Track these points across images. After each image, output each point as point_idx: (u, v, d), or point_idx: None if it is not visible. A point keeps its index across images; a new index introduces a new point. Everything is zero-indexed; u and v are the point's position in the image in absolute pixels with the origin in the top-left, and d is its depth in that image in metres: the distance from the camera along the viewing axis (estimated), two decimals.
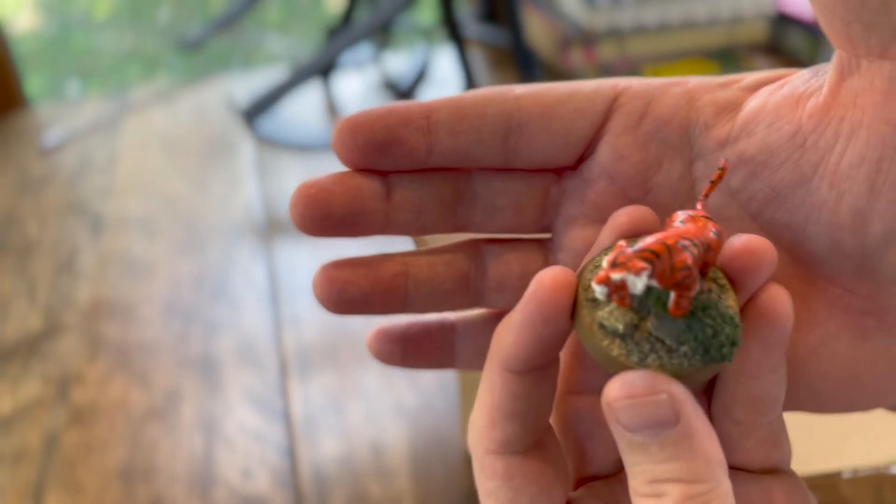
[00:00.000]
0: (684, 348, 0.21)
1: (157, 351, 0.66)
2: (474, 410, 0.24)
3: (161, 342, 0.67)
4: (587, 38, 0.95)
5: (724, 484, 0.21)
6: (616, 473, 0.26)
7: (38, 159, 0.99)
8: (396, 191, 0.26)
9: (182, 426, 0.59)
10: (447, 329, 0.29)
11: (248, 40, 1.42)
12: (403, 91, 1.05)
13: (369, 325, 0.71)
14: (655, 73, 0.94)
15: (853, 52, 0.23)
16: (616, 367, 0.21)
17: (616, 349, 0.21)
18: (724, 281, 0.23)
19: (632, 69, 0.95)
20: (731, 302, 0.23)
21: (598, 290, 0.20)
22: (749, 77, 0.26)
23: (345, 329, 0.67)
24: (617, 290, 0.20)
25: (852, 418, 0.43)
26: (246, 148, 0.98)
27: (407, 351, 0.28)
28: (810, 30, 0.98)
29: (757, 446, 0.25)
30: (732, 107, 0.26)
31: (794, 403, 0.26)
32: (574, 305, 0.22)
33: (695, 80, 0.27)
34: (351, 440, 0.57)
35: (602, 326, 0.22)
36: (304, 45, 1.44)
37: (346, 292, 0.26)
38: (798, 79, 0.25)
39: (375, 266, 0.26)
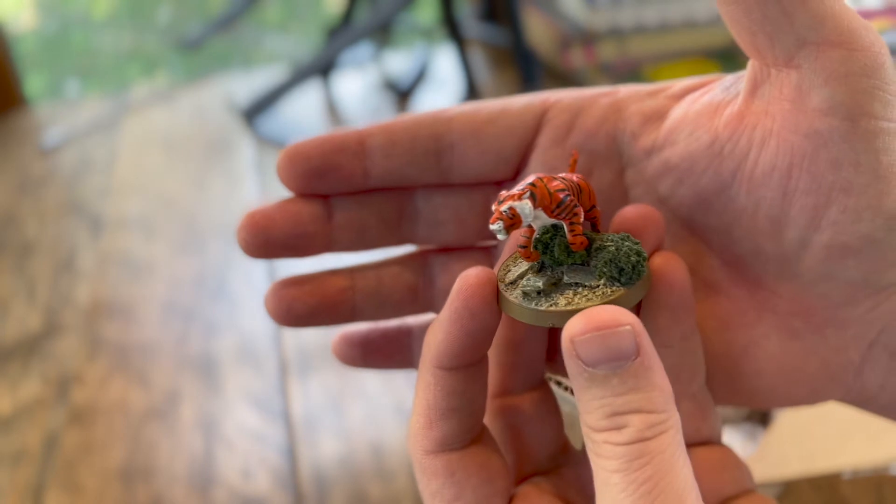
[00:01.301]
0: (602, 281, 0.23)
1: (157, 351, 0.66)
2: (412, 414, 0.25)
3: (161, 342, 0.67)
4: (587, 38, 0.95)
5: (676, 415, 0.21)
6: (555, 469, 0.26)
7: (38, 159, 0.99)
8: (337, 212, 0.28)
9: (182, 426, 0.59)
10: (404, 333, 0.30)
11: (248, 40, 1.42)
12: (403, 91, 1.05)
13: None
14: (655, 74, 0.94)
15: (762, 62, 0.24)
16: (553, 320, 0.23)
17: (545, 304, 0.23)
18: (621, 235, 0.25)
19: (632, 69, 0.95)
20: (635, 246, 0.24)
21: (495, 228, 0.22)
22: (677, 85, 0.27)
23: (345, 329, 0.67)
24: (511, 223, 0.22)
25: (852, 418, 0.43)
26: (246, 148, 0.98)
27: (367, 354, 0.30)
28: None
29: (686, 419, 0.25)
30: (658, 115, 0.27)
31: (734, 399, 0.28)
32: (499, 300, 0.24)
33: (625, 90, 0.28)
34: (351, 440, 0.57)
35: (526, 294, 0.23)
36: (304, 45, 1.44)
37: (293, 309, 0.28)
38: (719, 86, 0.26)
39: (321, 282, 0.28)
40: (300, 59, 1.16)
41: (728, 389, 0.27)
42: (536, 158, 0.28)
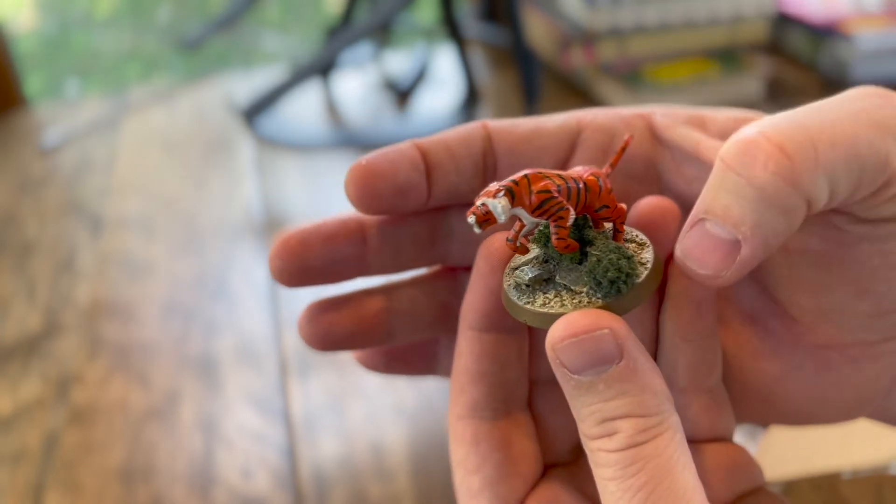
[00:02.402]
0: (585, 289, 0.22)
1: (157, 351, 0.66)
2: (450, 384, 0.25)
3: (161, 342, 0.67)
4: (587, 38, 0.95)
5: (674, 416, 0.21)
6: (575, 461, 0.26)
7: (38, 159, 0.99)
8: (373, 232, 0.27)
9: (182, 426, 0.59)
10: (432, 342, 0.30)
11: (248, 40, 1.42)
12: (403, 91, 1.05)
13: None
14: (655, 74, 0.94)
15: None
16: (525, 317, 0.22)
17: (524, 299, 0.23)
18: (642, 238, 0.24)
19: (632, 69, 0.95)
20: (646, 255, 0.23)
21: (469, 220, 0.22)
22: (718, 116, 0.27)
23: None
24: (483, 219, 0.22)
25: None
26: (246, 148, 0.98)
27: (392, 361, 0.29)
28: (810, 30, 0.98)
29: (701, 413, 0.25)
30: (696, 146, 0.26)
31: (765, 419, 0.28)
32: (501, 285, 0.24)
33: (660, 113, 0.27)
34: (351, 440, 0.57)
35: (516, 285, 0.23)
36: (304, 45, 1.44)
37: (331, 334, 0.27)
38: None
39: (358, 304, 0.27)
40: (300, 59, 1.16)
41: (758, 411, 0.27)
42: None
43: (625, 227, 0.24)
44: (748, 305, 0.27)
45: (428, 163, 0.26)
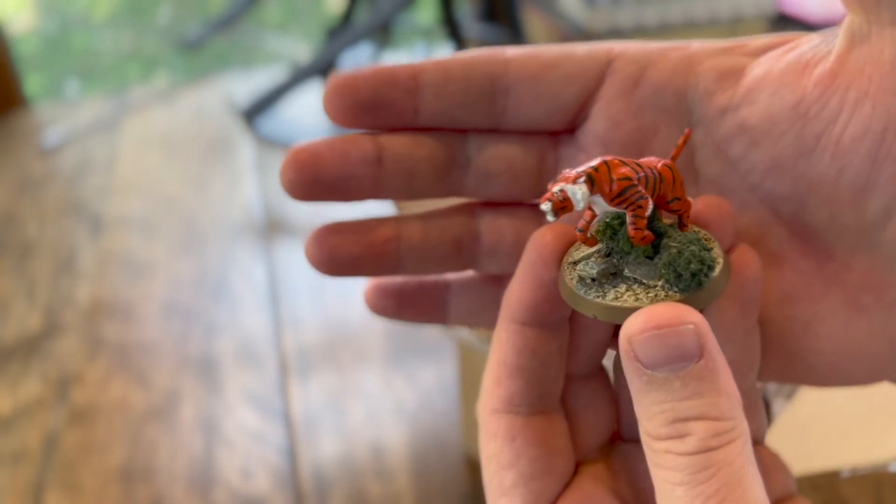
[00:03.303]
0: (660, 283, 0.21)
1: (157, 351, 0.66)
2: (484, 375, 0.24)
3: (161, 342, 0.67)
4: (587, 38, 0.95)
5: (745, 423, 0.20)
6: (603, 459, 0.26)
7: (38, 159, 0.99)
8: (387, 155, 0.26)
9: (182, 426, 0.59)
10: (441, 287, 0.29)
11: (248, 40, 1.42)
12: None
13: (369, 326, 0.71)
14: None
15: (864, 18, 0.22)
16: (594, 311, 0.21)
17: (592, 293, 0.21)
18: (705, 233, 0.23)
19: None
20: (716, 252, 0.22)
21: (544, 207, 0.20)
22: (754, 41, 0.25)
23: (345, 329, 0.67)
24: (560, 205, 0.20)
25: (851, 417, 0.43)
26: (246, 148, 0.98)
27: (402, 305, 0.28)
28: (810, 29, 0.98)
29: None
30: (735, 73, 0.25)
31: (787, 376, 0.26)
32: (560, 279, 0.23)
33: (697, 45, 0.26)
34: (351, 440, 0.57)
35: (581, 278, 0.22)
36: (304, 45, 1.44)
37: (336, 256, 0.26)
38: (806, 44, 0.24)
39: (367, 230, 0.26)
40: (300, 59, 1.16)
41: (783, 366, 0.25)
42: (600, 110, 0.26)
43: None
44: (776, 247, 0.25)
45: (418, 82, 0.25)
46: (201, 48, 1.30)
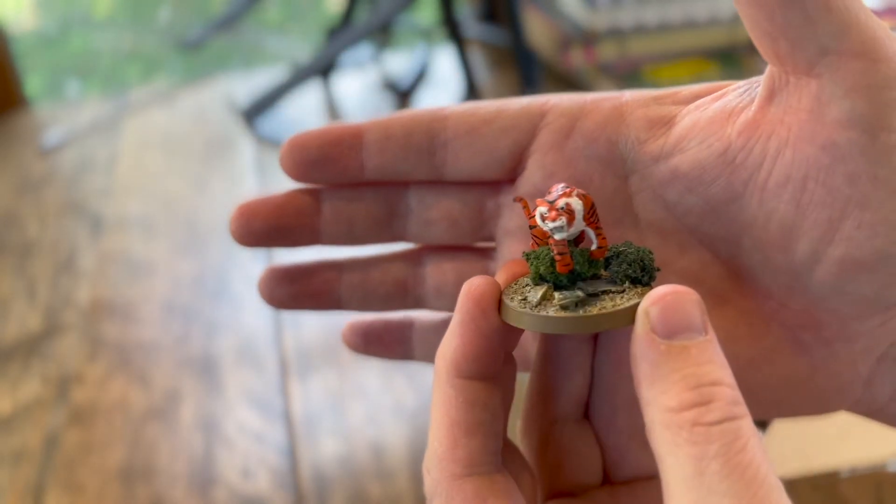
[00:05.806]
0: (626, 284, 0.23)
1: (157, 351, 0.66)
2: (431, 441, 0.24)
3: (161, 342, 0.67)
4: (587, 38, 0.95)
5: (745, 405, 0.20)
6: (586, 490, 0.26)
7: (38, 159, 0.99)
8: (326, 206, 0.29)
9: (182, 426, 0.59)
10: (406, 326, 0.31)
11: (248, 40, 1.42)
12: (403, 91, 1.05)
13: None
14: (655, 74, 0.94)
15: (782, 69, 0.23)
16: (610, 322, 0.22)
17: (594, 310, 0.22)
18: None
19: (632, 69, 0.95)
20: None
21: (556, 225, 0.22)
22: (684, 90, 0.27)
23: None
24: (571, 217, 0.22)
25: (850, 417, 0.43)
26: (246, 148, 0.98)
27: (369, 342, 0.31)
28: None
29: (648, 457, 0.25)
30: (665, 121, 0.26)
31: None
32: (502, 313, 0.23)
33: (629, 95, 0.27)
34: (351, 440, 0.57)
35: (565, 308, 0.22)
36: (304, 45, 1.44)
37: (277, 297, 0.30)
38: (732, 92, 0.25)
39: (309, 272, 0.30)
40: (300, 59, 1.16)
41: None
42: (535, 162, 0.27)
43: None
44: (717, 286, 0.26)
45: (362, 140, 0.28)
46: (201, 48, 1.30)
